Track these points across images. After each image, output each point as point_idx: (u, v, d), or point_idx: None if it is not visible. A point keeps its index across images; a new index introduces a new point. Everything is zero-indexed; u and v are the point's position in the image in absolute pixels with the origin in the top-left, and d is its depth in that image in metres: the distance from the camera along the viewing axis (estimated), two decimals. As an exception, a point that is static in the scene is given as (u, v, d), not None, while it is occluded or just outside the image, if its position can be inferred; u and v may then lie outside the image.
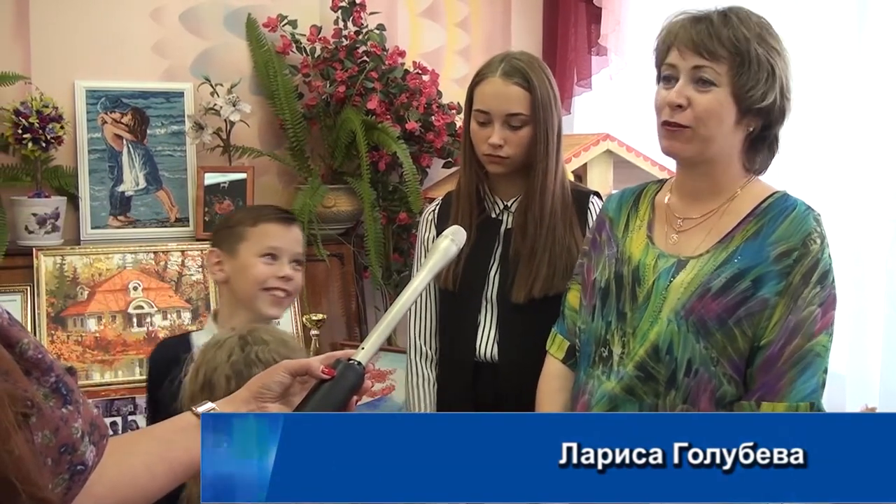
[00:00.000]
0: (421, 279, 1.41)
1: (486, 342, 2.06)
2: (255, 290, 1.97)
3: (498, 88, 1.98)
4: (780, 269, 1.58)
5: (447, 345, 2.13)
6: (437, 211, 2.19)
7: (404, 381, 2.21)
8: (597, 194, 2.15)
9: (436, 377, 2.14)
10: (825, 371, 1.61)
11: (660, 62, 1.69)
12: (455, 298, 2.08)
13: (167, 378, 1.98)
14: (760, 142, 1.67)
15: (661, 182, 1.83)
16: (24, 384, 0.87)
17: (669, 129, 1.64)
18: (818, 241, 1.60)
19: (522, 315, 2.01)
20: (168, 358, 2.02)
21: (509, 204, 2.08)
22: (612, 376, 1.67)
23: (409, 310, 2.14)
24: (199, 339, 2.03)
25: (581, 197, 2.09)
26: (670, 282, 1.64)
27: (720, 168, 1.67)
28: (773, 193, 1.68)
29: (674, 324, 1.61)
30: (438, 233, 2.10)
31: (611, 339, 1.69)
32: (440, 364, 2.15)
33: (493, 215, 2.10)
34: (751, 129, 1.64)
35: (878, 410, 2.13)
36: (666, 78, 1.66)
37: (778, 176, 2.37)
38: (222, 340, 1.52)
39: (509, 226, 2.07)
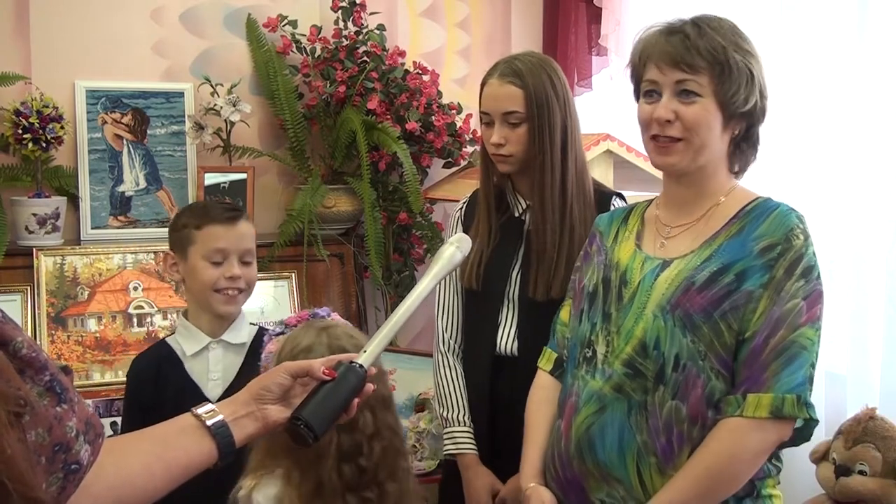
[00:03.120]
0: (425, 286, 1.43)
1: (507, 338, 2.09)
2: (207, 291, 2.04)
3: (495, 90, 2.05)
4: (764, 263, 1.59)
5: (469, 339, 2.17)
6: (463, 209, 2.23)
7: (433, 375, 2.23)
8: (620, 195, 2.16)
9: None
10: (813, 366, 1.59)
11: (638, 77, 1.71)
12: (478, 296, 2.11)
13: (153, 386, 2.02)
14: (745, 142, 1.69)
15: (650, 201, 1.85)
16: (16, 382, 0.87)
17: (661, 145, 1.67)
18: (801, 236, 1.60)
19: (542, 313, 2.02)
20: (153, 366, 2.07)
21: (531, 203, 2.10)
22: (598, 375, 1.67)
23: (437, 305, 2.19)
24: (182, 343, 2.07)
25: (603, 198, 2.11)
26: (655, 279, 1.65)
27: (708, 174, 1.69)
28: (757, 198, 1.70)
29: (660, 319, 1.61)
30: (465, 231, 2.13)
31: (595, 339, 1.70)
32: (462, 357, 2.19)
33: (517, 214, 2.13)
34: (735, 132, 1.67)
35: (878, 411, 2.12)
36: (648, 93, 1.68)
37: (778, 175, 2.38)
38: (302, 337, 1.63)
39: (531, 225, 2.09)
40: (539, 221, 2.04)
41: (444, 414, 2.13)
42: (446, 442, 2.13)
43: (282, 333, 1.83)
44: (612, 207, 2.08)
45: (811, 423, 1.60)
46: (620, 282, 1.70)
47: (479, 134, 2.64)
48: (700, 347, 1.59)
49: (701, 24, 1.63)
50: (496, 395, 2.09)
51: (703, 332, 1.59)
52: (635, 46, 1.72)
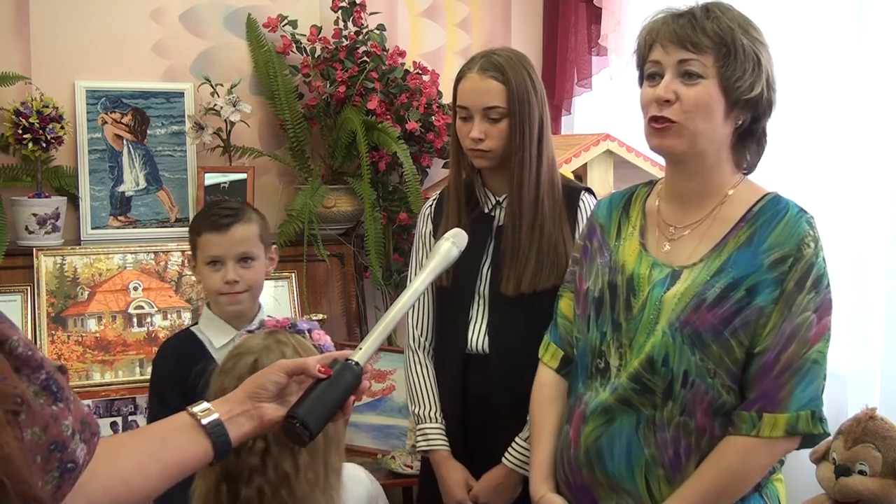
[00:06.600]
0: (421, 281, 1.41)
1: (478, 334, 2.08)
2: (213, 295, 2.13)
3: (475, 84, 2.02)
4: (775, 277, 1.55)
5: (440, 336, 2.17)
6: (433, 206, 2.21)
7: (404, 372, 2.23)
8: (589, 191, 2.15)
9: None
10: (824, 377, 1.58)
11: (643, 61, 1.67)
12: (448, 293, 2.10)
13: (192, 369, 2.01)
14: (749, 136, 1.64)
15: (651, 185, 1.80)
16: (13, 381, 0.87)
17: (656, 127, 1.61)
18: (812, 244, 1.57)
19: (512, 308, 2.03)
20: (182, 354, 2.09)
21: (501, 199, 2.10)
22: (608, 387, 1.65)
23: None
24: (208, 333, 2.13)
25: (572, 193, 2.10)
26: (665, 293, 1.61)
27: (709, 165, 1.64)
28: (765, 196, 1.65)
29: (668, 336, 1.58)
30: (435, 227, 2.13)
31: (606, 350, 1.67)
32: (433, 355, 2.18)
33: (487, 210, 2.12)
34: (740, 122, 1.61)
35: (878, 411, 2.12)
36: (651, 76, 1.63)
37: (778, 175, 2.38)
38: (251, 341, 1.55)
39: (501, 221, 2.09)
40: (516, 217, 2.03)
41: (416, 411, 2.14)
42: (419, 439, 2.14)
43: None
44: (580, 203, 2.07)
45: (822, 435, 1.59)
46: (628, 289, 1.66)
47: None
48: (709, 365, 1.57)
49: (710, 8, 1.60)
50: (467, 392, 2.09)
51: (713, 350, 1.56)
52: (641, 31, 1.67)
